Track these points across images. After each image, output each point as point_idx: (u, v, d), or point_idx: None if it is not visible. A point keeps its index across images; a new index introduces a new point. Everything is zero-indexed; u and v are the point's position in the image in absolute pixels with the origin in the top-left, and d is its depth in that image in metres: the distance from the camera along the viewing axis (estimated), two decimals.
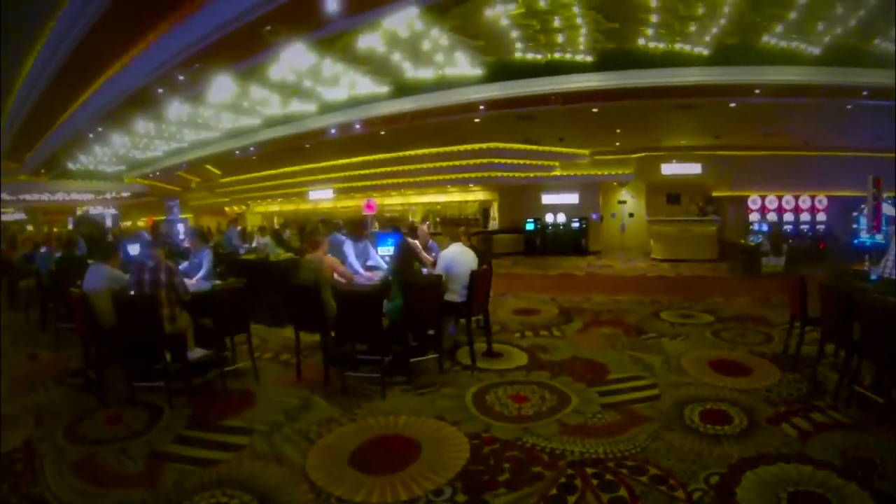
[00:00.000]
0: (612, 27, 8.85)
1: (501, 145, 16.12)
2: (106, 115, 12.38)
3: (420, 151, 17.17)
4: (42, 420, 4.60)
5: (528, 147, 16.59)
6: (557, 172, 17.90)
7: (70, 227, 22.94)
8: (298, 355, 5.45)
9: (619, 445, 3.74)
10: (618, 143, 16.84)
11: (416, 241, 6.94)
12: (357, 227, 7.56)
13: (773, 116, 12.55)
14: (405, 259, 5.55)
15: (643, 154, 17.34)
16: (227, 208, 28.67)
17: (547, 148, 17.00)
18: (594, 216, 18.16)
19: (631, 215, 18.84)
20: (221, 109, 12.60)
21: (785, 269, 12.31)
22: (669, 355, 5.83)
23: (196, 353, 5.24)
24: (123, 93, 10.79)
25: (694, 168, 17.17)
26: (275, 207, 26.91)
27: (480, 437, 3.93)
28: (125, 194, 27.72)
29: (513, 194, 18.73)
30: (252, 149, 16.24)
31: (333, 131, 13.96)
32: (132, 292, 5.10)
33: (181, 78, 9.56)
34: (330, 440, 4.03)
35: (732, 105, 11.57)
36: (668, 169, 17.33)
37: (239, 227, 13.28)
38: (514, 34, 8.99)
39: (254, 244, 11.32)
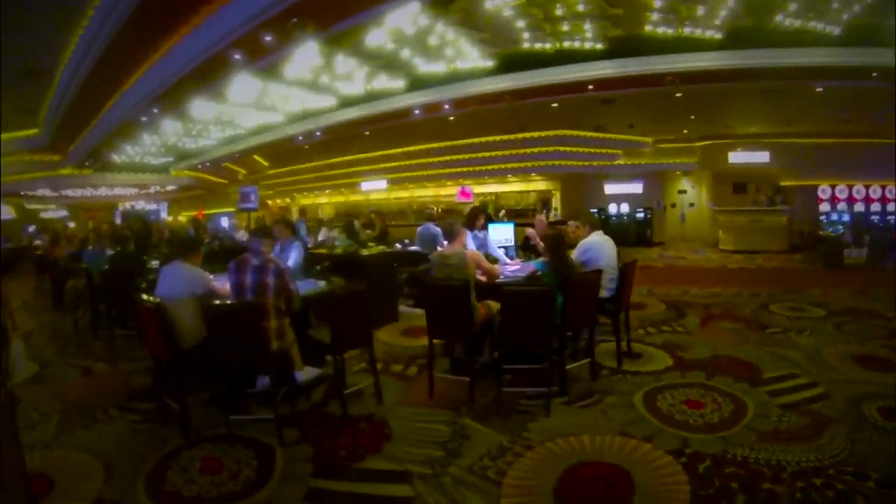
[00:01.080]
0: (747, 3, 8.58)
1: (569, 132, 15.86)
2: (163, 93, 11.12)
3: (484, 139, 16.92)
4: (113, 467, 3.42)
5: (594, 135, 16.34)
6: (621, 161, 17.65)
7: (118, 222, 22.80)
8: (431, 370, 4.54)
9: (825, 451, 3.37)
10: (685, 131, 16.58)
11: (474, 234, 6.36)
12: (473, 217, 6.85)
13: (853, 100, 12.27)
14: (561, 252, 4.89)
15: (708, 142, 17.03)
16: (269, 202, 28.55)
17: (612, 136, 16.74)
18: (657, 206, 17.91)
19: (691, 205, 18.54)
20: (296, 85, 11.75)
21: (867, 261, 11.99)
22: (807, 350, 5.47)
23: (307, 372, 4.28)
24: (190, 63, 9.40)
25: (761, 156, 16.82)
26: (322, 199, 26.69)
27: (685, 454, 3.39)
28: (170, 188, 27.32)
29: (575, 184, 18.50)
30: (318, 133, 15.71)
31: (417, 112, 13.34)
32: (228, 299, 4.20)
33: (268, 38, 8.21)
34: (517, 477, 3.19)
35: (819, 90, 11.37)
36: (735, 157, 17.02)
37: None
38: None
39: (319, 237, 10.70)
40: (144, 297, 4.32)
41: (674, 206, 18.61)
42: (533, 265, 5.44)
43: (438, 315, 4.49)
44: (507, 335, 4.29)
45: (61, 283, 8.63)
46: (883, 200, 16.34)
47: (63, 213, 28.27)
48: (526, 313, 4.18)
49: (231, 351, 3.82)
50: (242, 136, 17.56)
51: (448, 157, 18.15)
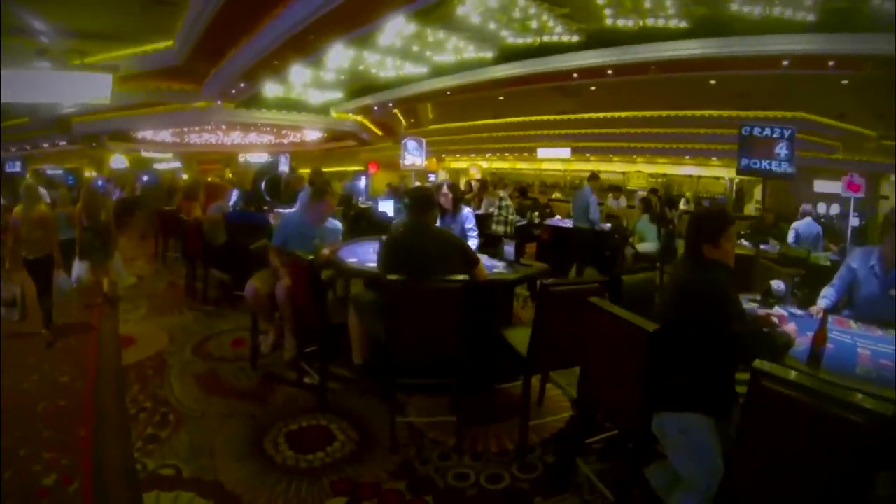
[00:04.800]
0: None
1: (809, 116, 14.03)
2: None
3: (698, 113, 15.24)
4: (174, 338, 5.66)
5: (828, 121, 14.54)
6: (839, 155, 15.75)
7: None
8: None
9: None
10: None
11: None
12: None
13: None
14: None
15: None
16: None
17: (841, 125, 14.91)
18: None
19: None
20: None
21: None
22: None
23: None
24: None
25: None
26: (481, 164, 24.61)
27: None
28: (315, 136, 25.05)
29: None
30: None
31: (610, 72, 12.19)
32: None
33: None
34: None
35: None
36: None
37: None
38: None
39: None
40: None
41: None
42: None
43: None
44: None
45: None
46: None
47: (176, 163, 27.04)
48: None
49: None
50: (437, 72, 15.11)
51: (641, 130, 16.56)
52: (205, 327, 5.92)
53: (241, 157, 27.56)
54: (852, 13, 8.85)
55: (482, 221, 7.53)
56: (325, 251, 4.55)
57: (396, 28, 10.77)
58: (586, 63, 11.98)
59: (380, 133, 24.05)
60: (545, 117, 18.87)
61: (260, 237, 5.75)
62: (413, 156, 11.32)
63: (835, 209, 16.16)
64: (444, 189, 5.45)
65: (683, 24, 10.09)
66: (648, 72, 11.63)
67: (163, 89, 16.76)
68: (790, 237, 8.41)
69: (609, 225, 9.33)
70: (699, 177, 19.27)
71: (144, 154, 25.72)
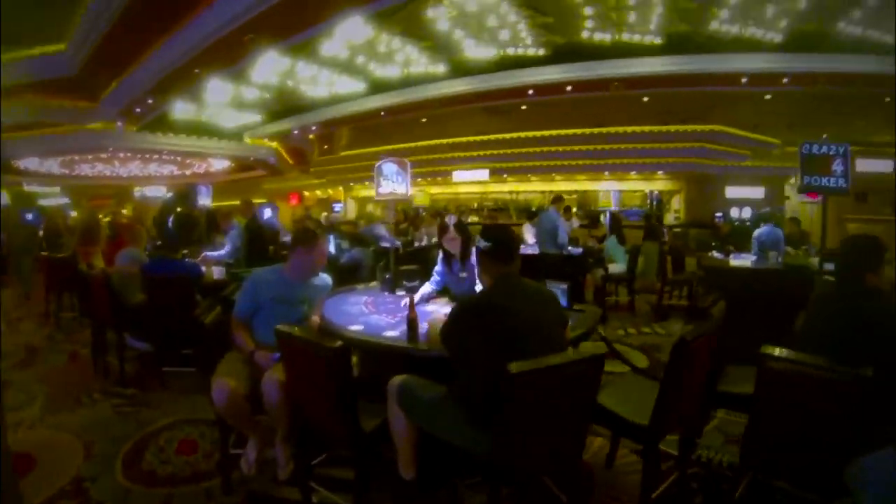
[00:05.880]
0: None
1: (724, 128, 14.93)
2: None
3: (629, 129, 15.72)
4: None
5: (743, 133, 15.60)
6: (748, 163, 16.91)
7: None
8: None
9: None
10: (825, 136, 16.03)
11: None
12: None
13: None
14: None
15: None
16: (307, 192, 25.64)
17: (754, 136, 16.06)
18: (777, 211, 17.22)
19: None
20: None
21: None
22: None
23: None
24: None
25: (885, 165, 16.57)
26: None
27: None
28: (219, 167, 22.84)
29: (700, 185, 17.56)
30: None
31: (570, 88, 12.27)
32: None
33: None
34: None
35: None
36: (862, 165, 16.63)
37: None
38: None
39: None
40: None
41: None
42: None
43: None
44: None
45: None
46: None
47: (64, 199, 24.10)
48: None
49: None
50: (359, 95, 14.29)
51: (557, 148, 17.02)
52: (132, 424, 4.08)
53: (138, 192, 25.24)
54: (809, 35, 9.92)
55: (425, 254, 6.75)
56: (315, 318, 3.32)
57: (343, 35, 9.87)
58: (545, 79, 11.99)
59: (291, 161, 22.70)
60: (462, 139, 18.78)
61: (190, 294, 4.60)
62: (393, 182, 8.90)
63: (746, 213, 17.20)
64: (451, 231, 4.04)
65: (657, 41, 10.42)
66: (610, 88, 11.82)
67: (52, 106, 13.87)
68: (753, 246, 8.52)
69: (581, 249, 8.89)
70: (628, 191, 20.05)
71: (28, 188, 22.68)
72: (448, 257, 4.08)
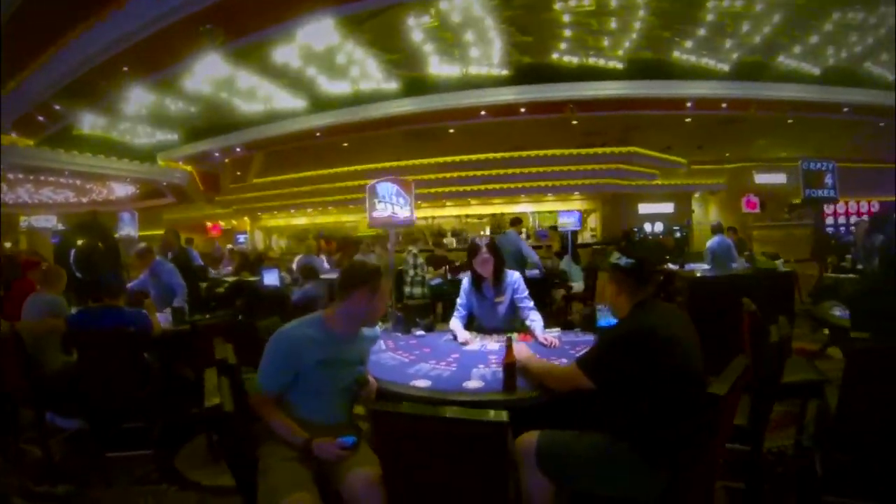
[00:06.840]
0: None
1: (642, 150, 15.95)
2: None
3: (542, 152, 16.26)
4: None
5: (657, 154, 16.67)
6: (658, 182, 18.13)
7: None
8: None
9: None
10: (728, 154, 17.67)
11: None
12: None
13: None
14: None
15: (738, 164, 18.33)
16: (209, 223, 24.31)
17: (662, 155, 17.26)
18: (686, 223, 18.57)
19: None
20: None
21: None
22: None
23: None
24: None
25: (779, 178, 18.48)
26: (300, 220, 23.27)
27: None
28: (121, 193, 20.66)
29: (614, 203, 18.57)
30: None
31: (484, 113, 13.02)
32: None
33: None
34: None
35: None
36: (760, 178, 18.45)
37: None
38: None
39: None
40: None
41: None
42: None
43: None
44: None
45: None
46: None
47: None
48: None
49: None
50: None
51: (475, 173, 17.23)
52: None
53: (24, 222, 22.82)
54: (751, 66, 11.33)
55: None
56: (373, 380, 2.57)
57: (290, 49, 9.42)
58: (500, 100, 12.48)
59: (202, 188, 21.02)
60: (377, 165, 18.54)
61: (136, 353, 3.68)
62: (392, 205, 7.64)
63: (658, 227, 18.41)
64: (484, 252, 3.63)
65: (619, 66, 11.21)
66: (565, 110, 12.41)
67: None
68: (706, 257, 8.73)
69: (537, 271, 8.45)
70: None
71: None
72: (478, 282, 3.72)
